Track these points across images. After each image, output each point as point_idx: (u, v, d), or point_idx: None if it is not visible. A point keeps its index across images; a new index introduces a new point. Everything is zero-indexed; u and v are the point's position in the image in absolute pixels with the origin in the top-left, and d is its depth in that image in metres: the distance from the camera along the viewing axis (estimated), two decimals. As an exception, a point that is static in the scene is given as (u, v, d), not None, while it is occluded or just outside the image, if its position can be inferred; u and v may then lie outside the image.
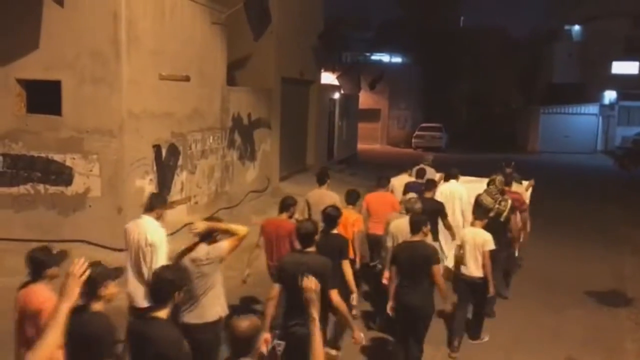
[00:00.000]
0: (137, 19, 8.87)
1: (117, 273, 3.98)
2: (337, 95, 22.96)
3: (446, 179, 9.27)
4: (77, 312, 3.44)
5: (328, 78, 22.95)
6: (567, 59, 38.90)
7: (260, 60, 14.93)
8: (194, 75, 10.52)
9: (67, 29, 8.65)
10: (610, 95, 36.80)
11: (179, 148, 10.19)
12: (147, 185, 9.19)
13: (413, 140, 34.08)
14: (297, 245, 5.50)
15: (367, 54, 36.08)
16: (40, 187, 8.99)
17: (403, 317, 5.74)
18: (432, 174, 10.06)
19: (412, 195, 7.35)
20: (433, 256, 5.70)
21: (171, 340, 3.57)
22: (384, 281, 6.33)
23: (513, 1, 79.13)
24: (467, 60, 42.06)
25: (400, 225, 6.49)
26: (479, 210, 7.55)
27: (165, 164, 9.81)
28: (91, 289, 3.56)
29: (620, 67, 36.77)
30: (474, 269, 6.75)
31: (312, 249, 5.01)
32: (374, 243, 7.73)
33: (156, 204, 5.66)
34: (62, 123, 8.82)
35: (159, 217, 5.61)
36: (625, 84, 35.37)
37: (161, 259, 5.29)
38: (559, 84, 38.06)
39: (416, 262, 5.63)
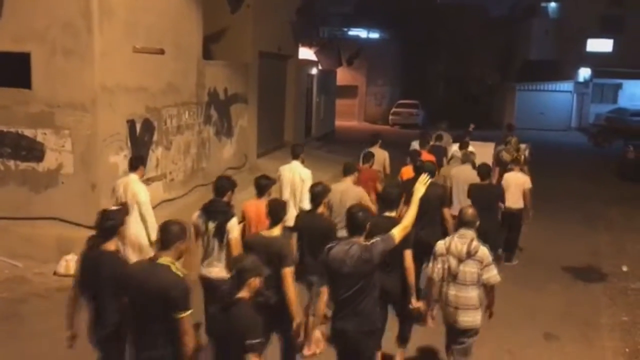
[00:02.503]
0: (110, -11, 8.56)
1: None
2: (314, 71, 22.71)
3: (462, 147, 10.49)
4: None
5: (306, 53, 22.63)
6: (544, 36, 38.99)
7: (236, 34, 14.64)
8: (168, 48, 10.24)
9: (36, -2, 8.32)
10: (584, 73, 37.05)
11: (153, 123, 9.96)
12: (121, 162, 8.96)
13: (390, 117, 33.98)
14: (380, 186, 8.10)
15: (345, 29, 35.70)
16: (11, 163, 8.73)
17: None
18: (447, 137, 12.30)
19: (470, 149, 9.95)
20: (501, 195, 8.44)
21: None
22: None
23: (490, -23, 78.76)
24: (444, 37, 41.97)
25: (461, 172, 8.80)
26: (502, 164, 10.16)
27: (140, 140, 9.58)
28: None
29: (595, 45, 36.99)
30: (512, 203, 8.81)
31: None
32: None
33: (299, 151, 7.97)
34: (32, 97, 8.53)
35: (303, 161, 7.90)
36: (600, 62, 35.57)
37: (306, 190, 6.75)
38: (535, 61, 38.16)
39: (490, 198, 7.92)
